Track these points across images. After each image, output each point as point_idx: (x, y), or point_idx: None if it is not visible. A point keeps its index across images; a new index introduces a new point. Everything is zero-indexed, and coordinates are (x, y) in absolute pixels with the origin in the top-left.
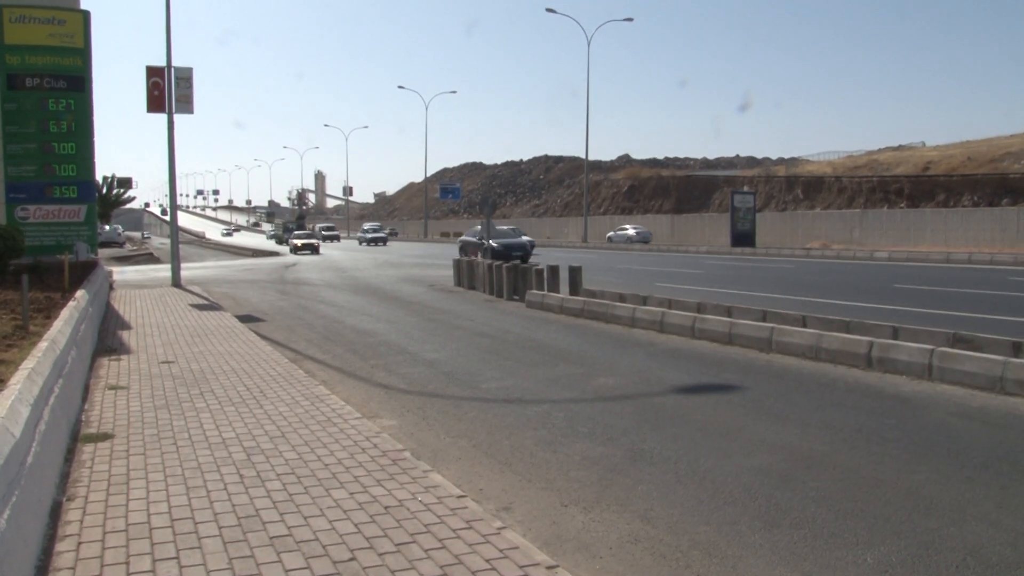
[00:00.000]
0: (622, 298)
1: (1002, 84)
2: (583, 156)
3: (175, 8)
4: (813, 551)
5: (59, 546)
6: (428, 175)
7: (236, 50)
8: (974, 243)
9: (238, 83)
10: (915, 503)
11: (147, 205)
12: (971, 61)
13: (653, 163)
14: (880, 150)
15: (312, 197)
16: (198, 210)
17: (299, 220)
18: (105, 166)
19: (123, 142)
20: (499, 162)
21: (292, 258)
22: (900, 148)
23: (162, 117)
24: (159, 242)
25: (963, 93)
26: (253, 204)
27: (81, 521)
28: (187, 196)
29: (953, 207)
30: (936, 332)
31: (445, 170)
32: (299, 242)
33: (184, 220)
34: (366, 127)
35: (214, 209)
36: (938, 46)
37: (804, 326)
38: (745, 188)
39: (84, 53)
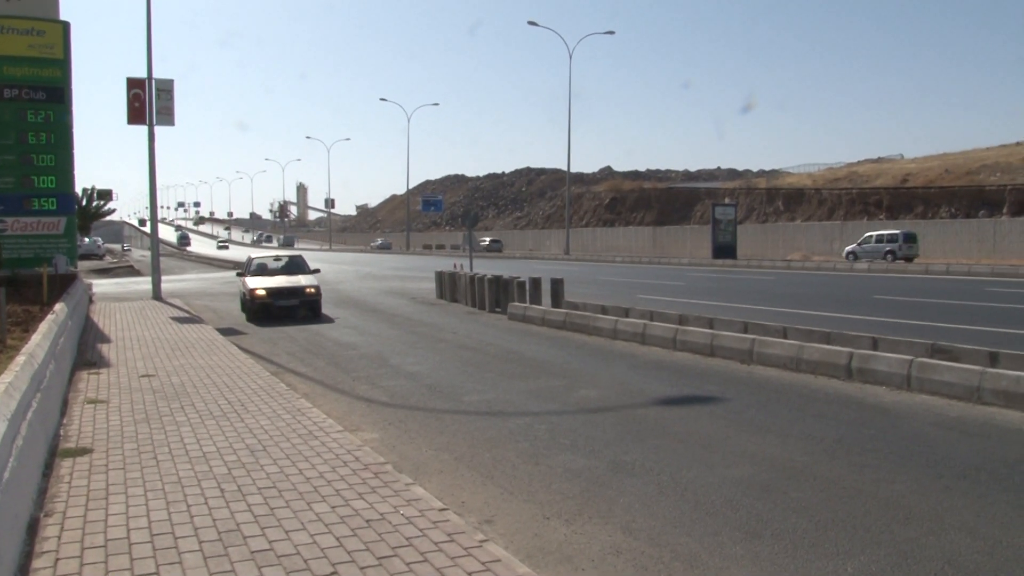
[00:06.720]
0: (604, 310)
1: (979, 97)
2: (565, 168)
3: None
4: (794, 561)
5: (36, 563)
6: (411, 187)
7: (220, 63)
8: (952, 254)
9: (219, 95)
10: (894, 513)
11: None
12: (949, 74)
13: (635, 175)
14: (859, 162)
15: (294, 209)
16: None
17: None
18: (85, 178)
19: (103, 154)
20: (481, 174)
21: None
22: (879, 160)
23: (143, 129)
24: (140, 254)
25: (941, 106)
26: (235, 216)
27: (59, 537)
28: (168, 208)
29: (931, 219)
30: (915, 343)
31: (428, 182)
32: (260, 286)
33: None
34: (348, 139)
35: (196, 222)
36: (916, 59)
37: (785, 337)
38: (726, 200)
39: (64, 64)
